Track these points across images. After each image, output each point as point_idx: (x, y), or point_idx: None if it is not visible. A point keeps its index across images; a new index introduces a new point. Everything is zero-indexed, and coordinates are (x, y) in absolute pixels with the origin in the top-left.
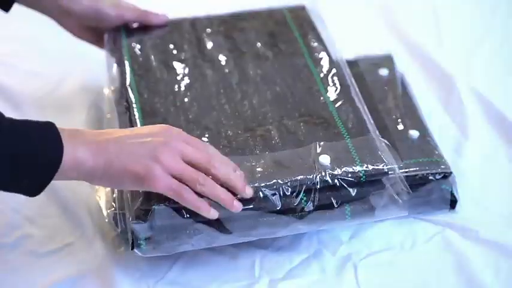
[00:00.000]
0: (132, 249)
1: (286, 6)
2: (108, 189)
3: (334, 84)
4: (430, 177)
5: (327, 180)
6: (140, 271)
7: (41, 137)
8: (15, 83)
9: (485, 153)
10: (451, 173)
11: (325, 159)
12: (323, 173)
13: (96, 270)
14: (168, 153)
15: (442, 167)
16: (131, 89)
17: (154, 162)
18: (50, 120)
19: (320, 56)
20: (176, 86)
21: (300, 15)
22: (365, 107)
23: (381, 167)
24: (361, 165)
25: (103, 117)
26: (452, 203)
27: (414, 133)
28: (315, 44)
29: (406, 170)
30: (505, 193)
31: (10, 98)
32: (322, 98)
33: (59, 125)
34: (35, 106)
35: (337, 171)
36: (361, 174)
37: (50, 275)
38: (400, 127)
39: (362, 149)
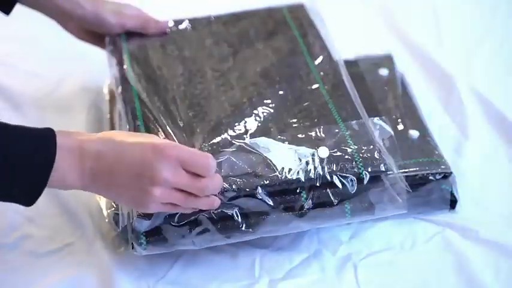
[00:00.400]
0: (132, 248)
1: (285, 5)
2: None
3: (333, 83)
4: (430, 177)
5: (325, 177)
6: (140, 271)
7: (34, 147)
8: (15, 83)
9: (485, 153)
10: (451, 173)
11: (323, 153)
12: (321, 171)
13: (96, 270)
14: (160, 189)
15: (442, 167)
16: (131, 89)
17: (147, 196)
18: (50, 126)
19: (319, 54)
20: (175, 85)
21: (299, 14)
22: (362, 107)
23: (380, 166)
24: (360, 162)
25: (103, 117)
26: (452, 203)
27: (414, 133)
28: (314, 43)
29: (406, 170)
30: (505, 193)
31: (10, 98)
32: (321, 96)
33: (59, 125)
34: (35, 106)
35: (336, 168)
36: (360, 171)
37: (50, 275)
38: (400, 127)
39: (361, 147)
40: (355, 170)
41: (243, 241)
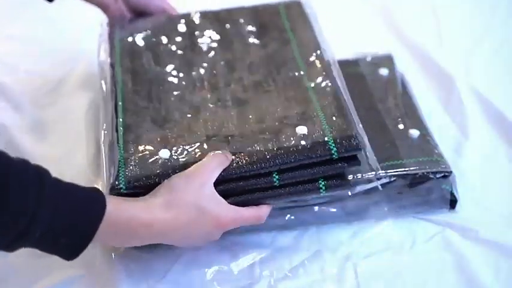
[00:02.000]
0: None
1: (282, 1)
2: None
3: (319, 75)
4: (431, 176)
5: (299, 160)
6: (140, 271)
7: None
8: (15, 83)
9: (485, 153)
10: (451, 172)
11: (302, 130)
12: (299, 145)
13: (96, 270)
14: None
15: (442, 166)
16: (117, 77)
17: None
18: (50, 126)
19: (308, 47)
20: (160, 72)
21: (294, 9)
22: (349, 97)
23: (353, 142)
24: (333, 141)
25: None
26: (452, 202)
27: (414, 132)
28: (304, 35)
29: (406, 168)
30: (505, 193)
31: (10, 98)
32: (304, 85)
33: (59, 125)
34: (35, 106)
35: (310, 146)
36: (332, 151)
37: (50, 275)
38: (401, 126)
39: (336, 129)
40: (328, 150)
41: (243, 241)
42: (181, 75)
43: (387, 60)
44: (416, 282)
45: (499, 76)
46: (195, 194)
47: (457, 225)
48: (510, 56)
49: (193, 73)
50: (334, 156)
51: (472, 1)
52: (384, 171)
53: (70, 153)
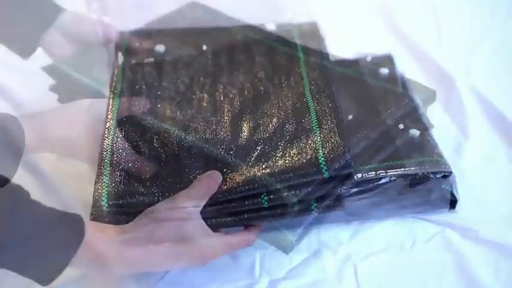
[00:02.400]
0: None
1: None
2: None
3: (321, 88)
4: (431, 176)
5: (289, 179)
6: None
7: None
8: (15, 83)
9: (485, 153)
10: (451, 172)
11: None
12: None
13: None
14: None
15: (442, 166)
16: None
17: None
18: (50, 125)
19: (314, 63)
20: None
21: (309, 28)
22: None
23: (346, 167)
24: (324, 160)
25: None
26: (452, 202)
27: (414, 132)
28: (312, 51)
29: (407, 169)
30: (505, 193)
31: (10, 98)
32: (303, 97)
33: (59, 125)
34: (35, 106)
35: (299, 165)
36: (323, 171)
37: None
38: (401, 126)
39: (329, 146)
40: (318, 171)
41: None
42: (181, 80)
43: (387, 60)
44: (416, 282)
45: (499, 76)
46: (178, 226)
47: (457, 225)
48: (510, 56)
49: (193, 74)
50: (325, 176)
51: (472, 1)
52: (384, 171)
53: (70, 153)
